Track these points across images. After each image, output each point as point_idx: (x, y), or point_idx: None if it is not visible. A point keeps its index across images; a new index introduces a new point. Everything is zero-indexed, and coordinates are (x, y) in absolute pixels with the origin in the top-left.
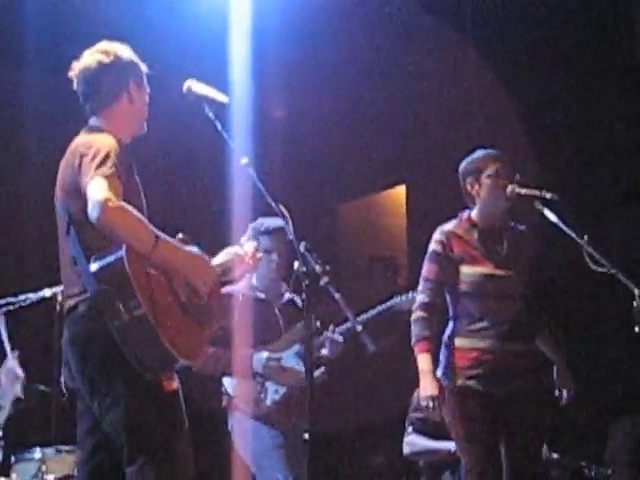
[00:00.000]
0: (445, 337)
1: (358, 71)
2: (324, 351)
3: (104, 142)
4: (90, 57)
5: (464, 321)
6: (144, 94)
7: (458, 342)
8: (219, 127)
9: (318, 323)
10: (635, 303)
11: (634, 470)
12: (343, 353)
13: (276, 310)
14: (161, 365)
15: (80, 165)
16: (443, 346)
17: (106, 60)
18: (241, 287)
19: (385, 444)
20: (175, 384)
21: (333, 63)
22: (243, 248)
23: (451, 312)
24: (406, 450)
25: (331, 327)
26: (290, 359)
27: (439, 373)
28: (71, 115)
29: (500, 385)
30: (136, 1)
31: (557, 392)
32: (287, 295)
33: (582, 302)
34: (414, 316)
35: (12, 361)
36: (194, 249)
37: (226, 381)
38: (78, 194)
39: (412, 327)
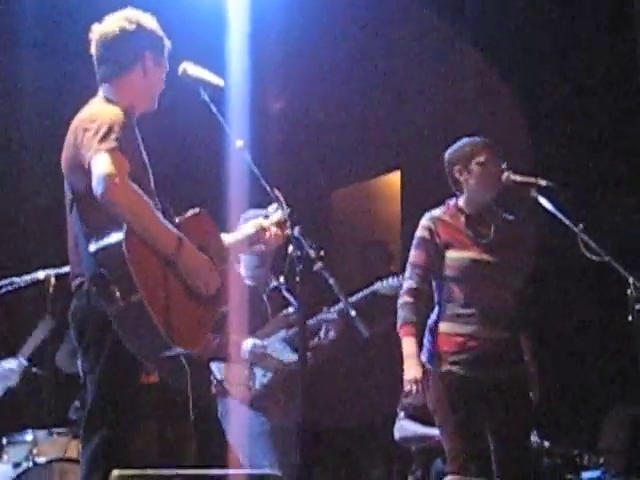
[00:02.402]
0: (430, 322)
1: (353, 58)
2: (330, 333)
3: (108, 115)
4: (112, 22)
5: (449, 306)
6: (161, 69)
7: (443, 327)
8: (214, 110)
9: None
10: (629, 291)
11: (627, 458)
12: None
13: (264, 297)
14: (150, 352)
15: (82, 140)
16: (427, 331)
17: (128, 27)
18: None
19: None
20: (154, 378)
21: (328, 50)
22: (270, 218)
23: (436, 297)
24: (397, 435)
25: (324, 309)
26: (275, 344)
27: (423, 358)
28: (68, 98)
29: (485, 371)
30: None
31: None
32: (273, 283)
33: (576, 290)
34: (401, 301)
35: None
36: (205, 256)
37: (214, 366)
38: (81, 170)
39: (398, 311)
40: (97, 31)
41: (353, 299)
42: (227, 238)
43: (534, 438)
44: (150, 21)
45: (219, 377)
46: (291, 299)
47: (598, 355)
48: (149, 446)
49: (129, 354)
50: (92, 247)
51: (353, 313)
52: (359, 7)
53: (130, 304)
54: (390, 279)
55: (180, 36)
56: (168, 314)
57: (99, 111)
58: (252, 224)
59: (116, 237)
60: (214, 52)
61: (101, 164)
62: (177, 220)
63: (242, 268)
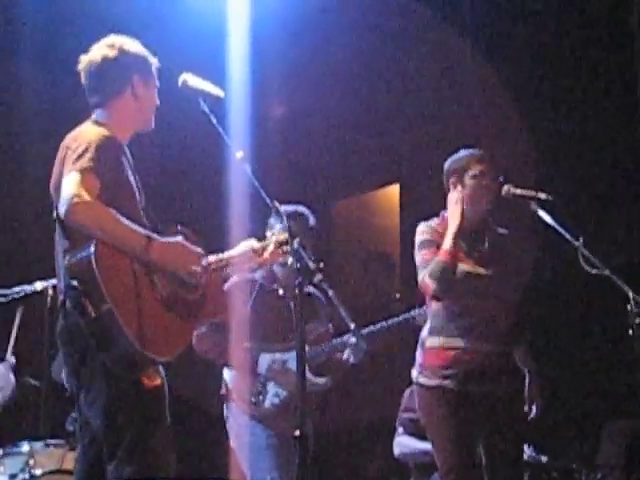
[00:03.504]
0: (422, 335)
1: (354, 70)
2: (350, 357)
3: (88, 136)
4: (96, 51)
5: (442, 319)
6: (151, 90)
7: (434, 341)
8: (214, 121)
9: (330, 326)
10: (629, 306)
11: (625, 473)
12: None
13: (291, 304)
14: (130, 362)
15: (64, 159)
16: (419, 345)
17: (110, 54)
18: (260, 274)
19: (378, 446)
20: (157, 380)
21: (329, 63)
22: (267, 240)
23: (429, 310)
24: (396, 451)
25: (351, 331)
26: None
27: (415, 372)
28: (68, 109)
29: (477, 385)
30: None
31: (526, 406)
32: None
33: (574, 304)
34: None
35: (6, 367)
36: (174, 238)
37: (225, 371)
38: (60, 189)
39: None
40: (83, 62)
41: (384, 325)
42: (219, 255)
43: (531, 452)
44: (133, 44)
45: (228, 382)
46: (321, 310)
47: (596, 369)
48: (168, 450)
49: (123, 364)
50: (65, 260)
51: (352, 325)
52: (362, 20)
53: (101, 314)
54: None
55: (180, 47)
56: (139, 322)
57: (82, 132)
58: (243, 245)
59: (86, 250)
60: (214, 63)
61: (67, 184)
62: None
63: (275, 267)
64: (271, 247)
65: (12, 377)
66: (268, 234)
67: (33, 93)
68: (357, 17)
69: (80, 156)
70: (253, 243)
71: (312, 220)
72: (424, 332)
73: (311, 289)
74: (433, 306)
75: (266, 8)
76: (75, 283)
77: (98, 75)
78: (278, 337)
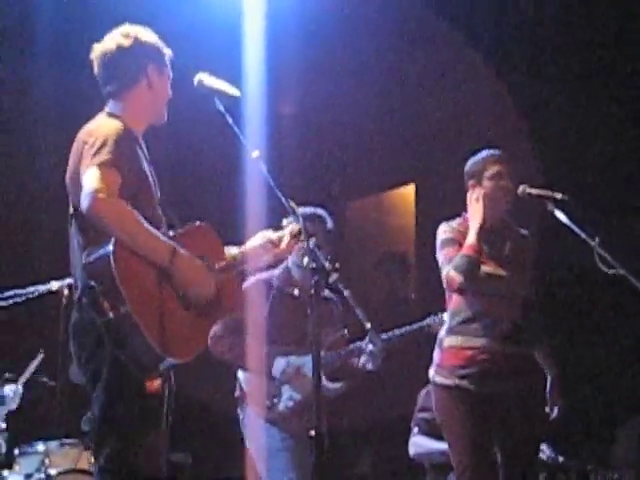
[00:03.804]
0: (440, 335)
1: (369, 70)
2: (367, 364)
3: (104, 129)
4: (110, 40)
5: (460, 319)
6: (165, 79)
7: (452, 340)
8: (230, 121)
9: (346, 331)
10: None
11: None
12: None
13: (307, 309)
14: (147, 363)
15: (81, 154)
16: (437, 344)
17: (125, 43)
18: (276, 275)
19: (391, 445)
20: (157, 384)
21: (344, 63)
22: (283, 231)
23: (448, 310)
24: (411, 451)
25: (367, 338)
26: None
27: (432, 372)
28: (81, 107)
29: (494, 385)
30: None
31: (547, 408)
32: (323, 293)
33: (589, 304)
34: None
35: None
36: (199, 261)
37: (240, 373)
38: (78, 183)
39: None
40: (96, 50)
41: (400, 332)
42: (233, 250)
43: (549, 453)
44: (147, 34)
45: (243, 385)
46: (336, 315)
47: (612, 369)
48: (159, 455)
49: (138, 365)
50: (84, 259)
51: (368, 325)
52: (377, 21)
53: (119, 316)
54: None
55: (196, 45)
56: (159, 325)
57: (98, 125)
58: (260, 236)
59: (105, 249)
60: (230, 63)
61: (89, 179)
62: (173, 233)
63: (292, 270)
64: (287, 238)
65: (16, 403)
66: (284, 222)
67: (46, 90)
68: (374, 16)
69: (99, 150)
70: (270, 234)
71: (330, 223)
72: (442, 332)
73: (328, 293)
74: (452, 306)
75: (281, 7)
76: (93, 283)
77: (113, 64)
78: (293, 341)
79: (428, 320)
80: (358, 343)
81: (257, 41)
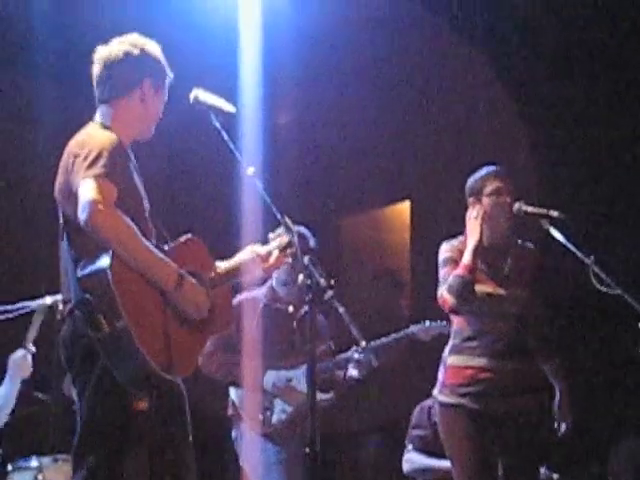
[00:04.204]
0: (444, 354)
1: (364, 86)
2: (353, 372)
3: (98, 141)
4: (118, 45)
5: (462, 338)
6: (159, 98)
7: (455, 359)
8: (225, 137)
9: (331, 344)
10: None
11: None
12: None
13: (294, 323)
14: (141, 379)
15: (72, 165)
16: (441, 363)
17: (132, 51)
18: (263, 293)
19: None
20: (144, 404)
21: (340, 80)
22: (271, 245)
23: (451, 329)
24: (405, 467)
25: (354, 347)
26: (301, 377)
27: (435, 391)
28: (81, 125)
29: (496, 403)
30: (146, 12)
31: (555, 424)
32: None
33: (585, 322)
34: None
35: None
36: (201, 287)
37: (232, 391)
38: (70, 196)
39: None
40: (101, 52)
41: (386, 340)
42: (223, 265)
43: (544, 471)
44: (155, 49)
45: (236, 402)
46: (323, 328)
47: (608, 387)
48: (139, 475)
49: (133, 381)
50: (79, 272)
51: (363, 343)
52: (373, 36)
53: (115, 330)
54: (427, 323)
55: (192, 61)
56: (156, 340)
57: (91, 136)
58: (249, 251)
59: (101, 262)
60: (225, 78)
61: (86, 190)
62: (167, 247)
63: (276, 287)
64: (276, 252)
65: (30, 367)
66: (271, 236)
67: (46, 109)
68: (369, 33)
69: (94, 162)
70: (257, 248)
71: (312, 242)
72: (445, 351)
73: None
74: (454, 325)
75: (278, 18)
76: (88, 296)
77: (114, 68)
78: (282, 355)
79: (412, 328)
80: (344, 354)
81: (253, 55)
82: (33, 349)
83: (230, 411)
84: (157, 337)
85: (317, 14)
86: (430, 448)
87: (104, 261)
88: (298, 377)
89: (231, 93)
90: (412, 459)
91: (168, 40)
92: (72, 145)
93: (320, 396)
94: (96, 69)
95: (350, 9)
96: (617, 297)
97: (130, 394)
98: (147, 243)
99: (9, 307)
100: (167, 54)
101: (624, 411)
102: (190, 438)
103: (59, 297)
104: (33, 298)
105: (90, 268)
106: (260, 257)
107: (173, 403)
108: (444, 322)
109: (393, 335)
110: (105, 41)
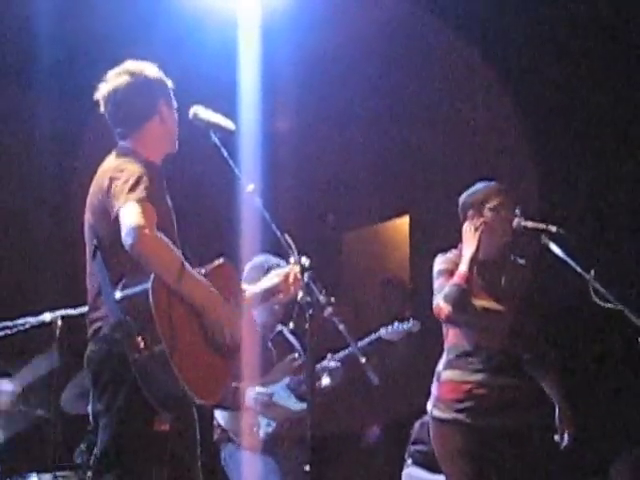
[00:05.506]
0: (437, 369)
1: (364, 101)
2: (325, 380)
3: (135, 166)
4: (118, 78)
5: (457, 353)
6: (173, 111)
7: (450, 375)
8: (225, 154)
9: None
10: None
11: None
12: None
13: (269, 343)
14: (172, 402)
15: (109, 188)
16: (435, 378)
17: (135, 81)
18: None
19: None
20: (166, 426)
21: (340, 96)
22: (287, 270)
23: (445, 344)
24: None
25: (329, 356)
26: (280, 392)
27: (429, 405)
28: (81, 137)
29: (492, 419)
30: (147, 26)
31: (557, 436)
32: (277, 328)
33: (585, 335)
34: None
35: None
36: (238, 309)
37: (217, 414)
38: (106, 217)
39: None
40: (104, 90)
41: (357, 346)
42: (249, 289)
43: None
44: (152, 69)
45: (222, 424)
46: (295, 344)
47: (608, 401)
48: None
49: (144, 400)
50: (118, 294)
51: (363, 360)
52: (372, 51)
53: (153, 354)
54: (395, 324)
55: (192, 75)
56: (190, 366)
57: (125, 162)
58: (276, 275)
59: (143, 286)
60: (225, 92)
61: (130, 214)
62: (203, 270)
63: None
64: (292, 278)
65: (9, 402)
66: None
67: (47, 121)
68: (370, 47)
69: (134, 186)
70: (279, 271)
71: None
72: (440, 366)
73: (280, 327)
74: (449, 340)
75: (276, 30)
76: (128, 318)
77: (124, 103)
78: (261, 373)
79: (381, 331)
80: (319, 364)
81: (252, 68)
82: (18, 389)
83: (216, 435)
84: (192, 362)
85: (317, 28)
86: (430, 463)
87: (146, 284)
88: (278, 392)
89: (230, 107)
90: (412, 474)
91: (167, 53)
92: (108, 168)
93: (302, 406)
94: (105, 109)
95: (351, 21)
96: (617, 312)
97: (155, 415)
98: (189, 267)
99: (9, 323)
100: (166, 68)
101: (625, 423)
102: (199, 463)
103: (58, 314)
104: (33, 314)
105: (132, 290)
106: (285, 276)
107: (193, 426)
108: (412, 322)
109: (366, 339)
110: (105, 55)
